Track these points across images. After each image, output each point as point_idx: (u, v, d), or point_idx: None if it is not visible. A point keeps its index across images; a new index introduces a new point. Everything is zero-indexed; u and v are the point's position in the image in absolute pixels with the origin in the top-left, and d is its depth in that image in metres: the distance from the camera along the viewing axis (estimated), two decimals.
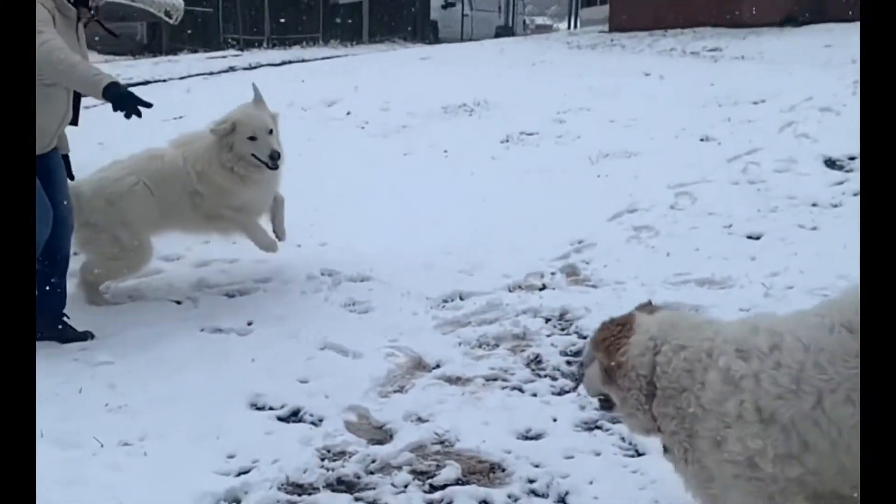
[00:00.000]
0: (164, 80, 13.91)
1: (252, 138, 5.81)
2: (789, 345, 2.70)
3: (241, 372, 4.96)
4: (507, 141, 9.58)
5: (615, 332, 3.07)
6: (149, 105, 5.13)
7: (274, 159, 5.82)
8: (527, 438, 4.29)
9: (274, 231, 6.27)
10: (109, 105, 5.01)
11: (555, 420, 4.39)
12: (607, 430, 4.30)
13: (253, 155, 5.83)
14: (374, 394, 4.75)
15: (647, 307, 3.20)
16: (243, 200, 6.07)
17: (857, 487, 2.53)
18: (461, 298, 5.90)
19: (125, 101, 5.06)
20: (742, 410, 2.71)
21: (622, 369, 3.01)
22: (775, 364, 2.69)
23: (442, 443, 4.27)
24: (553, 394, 4.68)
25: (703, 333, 2.91)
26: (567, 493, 3.78)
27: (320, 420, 4.49)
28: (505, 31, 36.58)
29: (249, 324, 5.65)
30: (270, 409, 4.64)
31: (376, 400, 4.69)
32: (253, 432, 4.37)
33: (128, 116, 5.14)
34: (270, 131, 5.86)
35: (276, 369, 4.99)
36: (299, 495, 3.88)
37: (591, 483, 3.84)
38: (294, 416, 4.57)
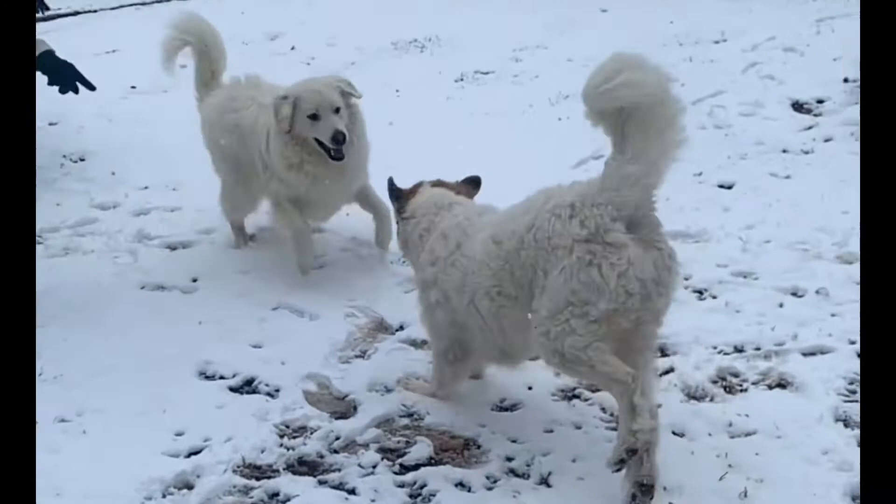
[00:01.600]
0: (95, 11, 13.03)
1: (313, 116, 4.85)
2: (464, 253, 3.77)
3: (188, 336, 4.59)
4: (462, 80, 9.12)
5: (406, 193, 4.31)
6: (92, 88, 4.68)
7: (337, 142, 4.79)
8: (502, 409, 4.02)
9: (377, 243, 5.43)
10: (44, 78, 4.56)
11: (530, 388, 4.12)
12: (586, 399, 4.05)
13: (316, 140, 4.89)
14: (335, 360, 4.43)
15: (439, 183, 4.31)
16: (296, 194, 5.18)
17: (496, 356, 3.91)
18: None
19: (63, 73, 4.59)
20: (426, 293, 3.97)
21: (400, 216, 4.29)
22: (451, 264, 3.80)
23: (411, 416, 3.97)
24: (527, 358, 4.38)
25: (450, 217, 4.00)
26: (550, 474, 3.52)
27: (277, 391, 4.17)
28: None
29: (194, 280, 5.26)
30: (221, 378, 4.29)
31: (337, 367, 4.38)
32: (203, 406, 4.04)
33: (63, 91, 4.66)
34: (337, 110, 4.88)
35: (226, 333, 4.63)
36: (257, 479, 3.57)
37: (574, 461, 3.58)
38: (248, 386, 4.24)
